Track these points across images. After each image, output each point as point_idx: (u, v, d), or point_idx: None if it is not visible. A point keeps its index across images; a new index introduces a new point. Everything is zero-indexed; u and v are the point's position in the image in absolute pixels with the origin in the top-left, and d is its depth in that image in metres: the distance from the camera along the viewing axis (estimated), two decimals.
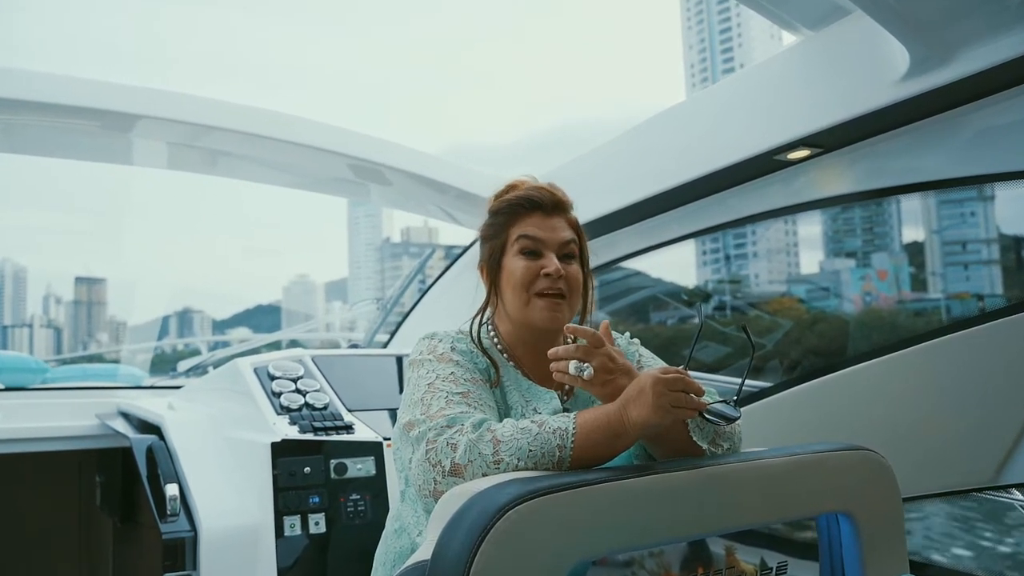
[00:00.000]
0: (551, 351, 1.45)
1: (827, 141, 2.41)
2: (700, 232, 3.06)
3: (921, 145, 2.36)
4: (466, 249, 3.81)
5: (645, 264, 4.15)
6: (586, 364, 1.41)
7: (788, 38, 2.46)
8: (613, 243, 3.28)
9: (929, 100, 2.13)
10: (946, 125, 2.26)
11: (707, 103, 2.81)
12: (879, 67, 2.15)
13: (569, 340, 1.75)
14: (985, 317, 2.32)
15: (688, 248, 3.34)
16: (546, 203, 1.70)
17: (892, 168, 2.47)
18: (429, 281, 4.09)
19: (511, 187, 1.78)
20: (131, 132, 3.09)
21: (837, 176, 2.62)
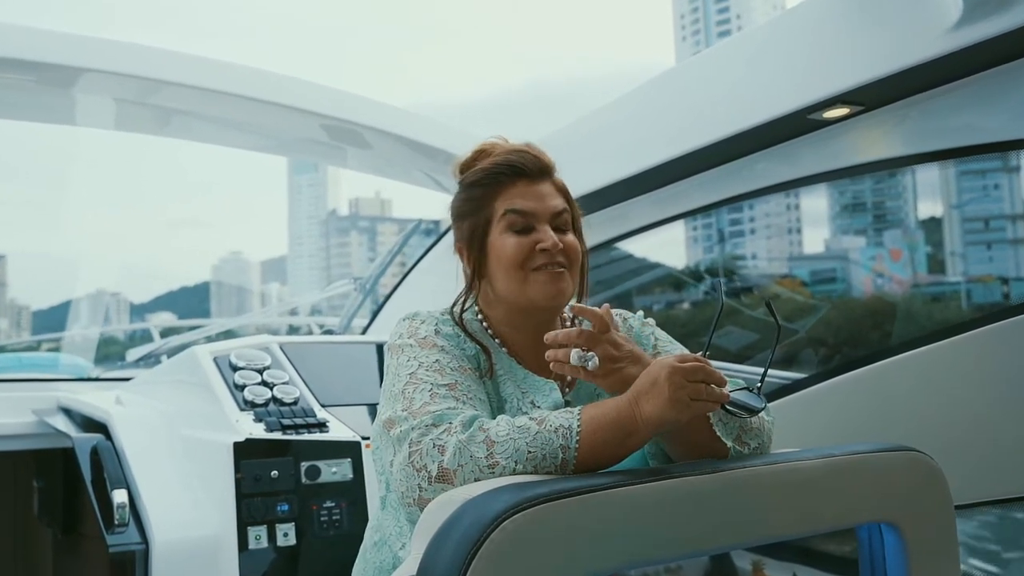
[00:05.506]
0: (548, 335, 1.44)
1: (868, 98, 2.39)
2: (725, 201, 3.05)
3: (976, 102, 2.35)
4: None
5: (633, 246, 4.15)
6: (591, 353, 1.39)
7: None
8: (624, 215, 3.26)
9: (985, 51, 2.11)
10: (1005, 79, 2.24)
11: (731, 55, 2.79)
12: (928, 13, 2.13)
13: (568, 324, 1.74)
14: None
15: (677, 226, 3.34)
16: (531, 168, 1.66)
17: (943, 128, 2.45)
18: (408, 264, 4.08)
19: (481, 152, 1.74)
20: (73, 88, 3.07)
21: (880, 137, 2.61)
